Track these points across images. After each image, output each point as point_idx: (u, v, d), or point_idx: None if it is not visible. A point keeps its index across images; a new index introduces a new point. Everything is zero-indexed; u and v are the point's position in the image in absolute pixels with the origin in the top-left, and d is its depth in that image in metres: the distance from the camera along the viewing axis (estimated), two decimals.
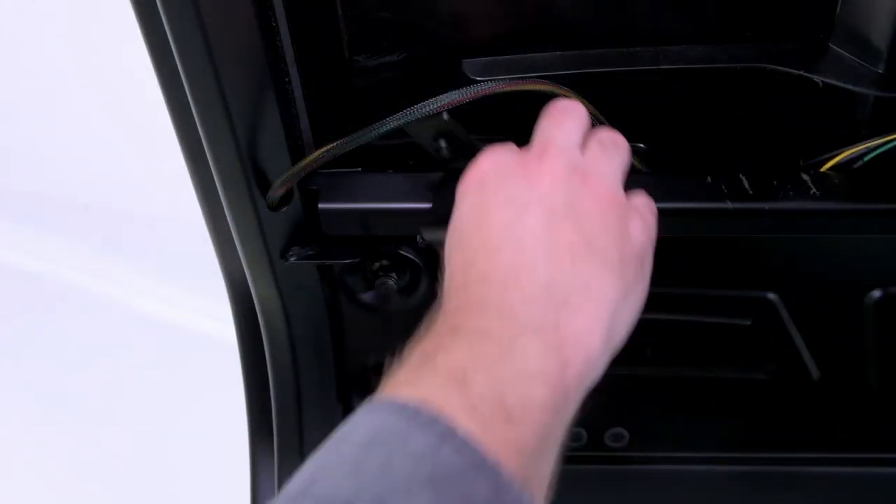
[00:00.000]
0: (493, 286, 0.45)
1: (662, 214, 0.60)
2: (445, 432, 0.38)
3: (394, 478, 0.37)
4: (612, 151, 0.53)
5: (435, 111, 0.53)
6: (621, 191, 0.51)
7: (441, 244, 0.52)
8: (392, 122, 0.54)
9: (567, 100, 0.55)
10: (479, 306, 0.45)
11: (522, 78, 0.57)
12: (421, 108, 0.54)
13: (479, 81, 0.54)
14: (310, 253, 0.63)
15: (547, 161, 0.50)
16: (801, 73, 0.57)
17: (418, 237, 0.58)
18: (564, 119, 0.53)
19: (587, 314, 0.45)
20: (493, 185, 0.49)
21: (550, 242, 0.46)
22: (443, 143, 0.57)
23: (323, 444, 0.40)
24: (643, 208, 0.53)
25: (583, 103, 0.57)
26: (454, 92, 0.53)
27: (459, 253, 0.48)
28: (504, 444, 0.39)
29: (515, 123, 0.63)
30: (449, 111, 0.54)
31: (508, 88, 0.55)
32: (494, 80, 0.54)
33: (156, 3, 0.49)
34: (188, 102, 0.54)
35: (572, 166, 0.50)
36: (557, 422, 0.43)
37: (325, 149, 0.56)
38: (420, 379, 0.42)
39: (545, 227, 0.47)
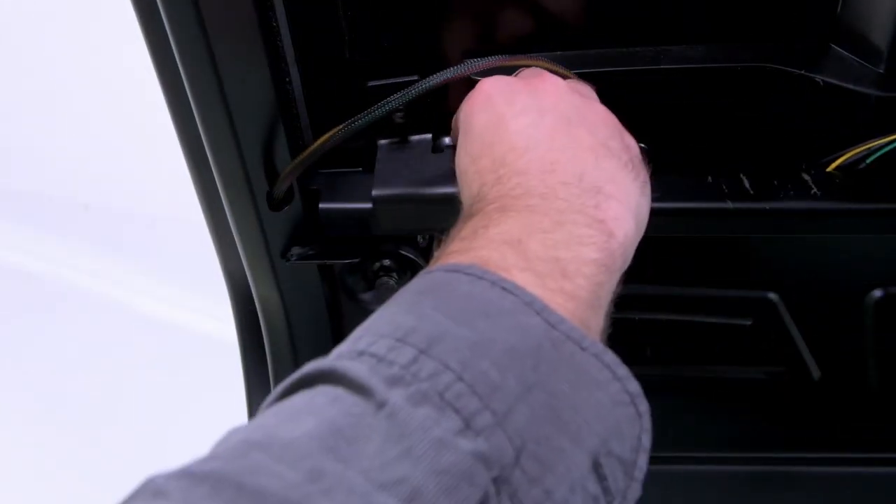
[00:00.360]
0: (531, 177, 0.47)
1: (663, 214, 0.60)
2: (495, 280, 0.40)
3: (449, 312, 0.38)
4: (588, 93, 0.56)
5: (436, 86, 0.53)
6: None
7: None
8: (395, 101, 0.54)
9: None
10: (522, 191, 0.46)
11: (524, 56, 0.56)
12: (423, 85, 0.53)
13: (480, 59, 0.54)
14: (310, 253, 0.63)
15: (547, 78, 0.53)
16: (802, 72, 0.57)
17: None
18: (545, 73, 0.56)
19: (619, 200, 0.47)
20: (503, 99, 0.51)
21: (573, 143, 0.48)
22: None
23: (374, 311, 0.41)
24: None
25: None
26: (455, 67, 0.54)
27: (486, 158, 0.49)
28: (560, 293, 0.41)
29: None
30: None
31: (507, 64, 0.55)
32: (493, 57, 0.54)
33: (156, 3, 0.49)
34: (189, 103, 0.54)
35: (570, 86, 0.53)
36: (606, 279, 0.45)
37: (335, 130, 0.55)
38: (474, 246, 0.43)
39: (565, 131, 0.49)
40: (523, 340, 0.37)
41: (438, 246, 0.47)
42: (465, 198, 0.50)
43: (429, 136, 0.62)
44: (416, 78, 0.59)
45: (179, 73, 0.53)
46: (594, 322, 0.43)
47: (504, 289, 0.39)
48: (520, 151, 0.48)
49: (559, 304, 0.40)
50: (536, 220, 0.44)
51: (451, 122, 0.58)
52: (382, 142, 0.61)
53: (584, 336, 0.39)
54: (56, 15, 2.04)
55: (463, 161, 0.52)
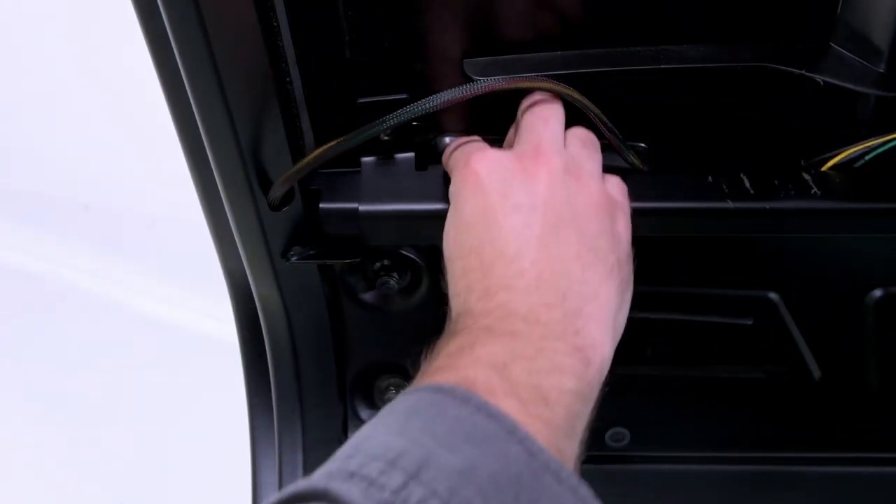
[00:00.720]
0: (516, 294, 0.48)
1: (663, 214, 0.60)
2: (480, 404, 0.42)
3: (436, 436, 0.39)
4: (591, 148, 0.56)
5: (435, 108, 0.54)
6: (604, 187, 0.54)
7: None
8: (393, 120, 0.54)
9: (545, 95, 0.57)
10: (506, 311, 0.48)
11: (522, 76, 0.57)
12: (421, 105, 0.54)
13: (479, 80, 0.55)
14: (311, 253, 0.63)
15: (542, 162, 0.52)
16: (802, 72, 0.57)
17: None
18: (549, 117, 0.55)
19: (598, 321, 0.49)
20: (495, 187, 0.52)
21: (561, 252, 0.50)
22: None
23: (362, 427, 0.43)
24: (619, 195, 0.56)
25: (584, 102, 0.57)
26: (454, 89, 0.54)
27: (475, 258, 0.51)
28: (540, 420, 0.43)
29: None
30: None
31: (508, 86, 0.55)
32: (494, 78, 0.54)
33: (156, 3, 0.49)
34: (189, 102, 0.54)
35: (566, 166, 0.53)
36: (584, 409, 0.47)
37: (327, 146, 0.56)
38: (461, 364, 0.45)
39: (553, 236, 0.50)
40: (506, 469, 0.39)
41: (426, 356, 0.49)
42: (452, 293, 0.52)
43: (412, 154, 0.62)
44: (404, 97, 0.60)
45: (179, 73, 0.53)
46: (569, 450, 0.45)
47: (489, 414, 0.41)
48: (508, 259, 0.49)
49: (539, 430, 0.42)
50: (520, 346, 0.46)
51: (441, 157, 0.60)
52: (366, 159, 0.62)
53: (562, 467, 0.41)
54: (56, 15, 2.04)
55: (451, 245, 0.53)
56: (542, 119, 0.55)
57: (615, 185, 0.56)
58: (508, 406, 0.42)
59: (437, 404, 0.42)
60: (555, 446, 0.43)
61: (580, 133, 0.57)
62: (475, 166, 0.53)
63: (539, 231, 0.50)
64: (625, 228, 0.54)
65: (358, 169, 0.62)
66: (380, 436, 0.40)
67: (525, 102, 0.58)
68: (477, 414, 0.41)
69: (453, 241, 0.53)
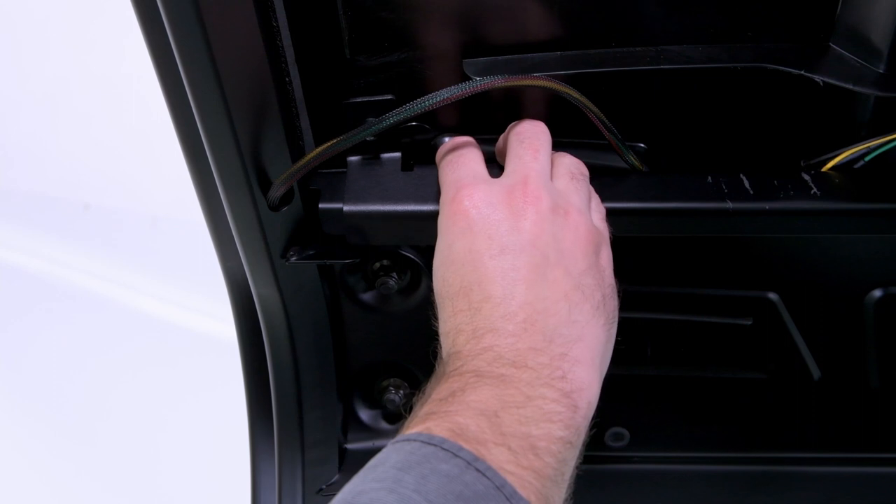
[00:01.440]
0: (504, 337, 0.49)
1: (663, 214, 0.60)
2: (470, 458, 0.42)
3: (428, 495, 0.40)
4: (579, 180, 0.56)
5: (434, 106, 0.54)
6: (591, 220, 0.54)
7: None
8: (392, 118, 0.54)
9: (532, 122, 0.57)
10: (494, 355, 0.49)
11: (522, 76, 0.57)
12: (420, 104, 0.54)
13: (478, 79, 0.55)
14: (310, 253, 0.63)
15: (530, 200, 0.52)
16: (802, 73, 0.57)
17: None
18: (539, 149, 0.55)
19: (585, 363, 0.50)
20: (482, 227, 0.52)
21: (548, 294, 0.50)
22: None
23: (353, 477, 0.44)
24: (601, 223, 0.56)
25: (584, 102, 0.57)
26: (453, 87, 0.53)
27: (463, 300, 0.51)
28: (530, 470, 0.44)
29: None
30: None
31: (506, 84, 0.55)
32: (492, 77, 0.54)
33: (156, 4, 0.49)
34: (189, 102, 0.54)
35: (553, 203, 0.53)
36: (572, 455, 0.48)
37: (325, 146, 0.56)
38: (451, 410, 0.46)
39: (541, 277, 0.50)
40: None
41: (417, 397, 0.50)
42: (442, 332, 0.53)
43: (398, 154, 0.62)
44: (390, 97, 0.60)
45: (179, 73, 0.53)
46: (556, 497, 0.46)
47: (478, 470, 0.42)
48: (496, 301, 0.50)
49: (530, 483, 0.43)
50: (509, 393, 0.47)
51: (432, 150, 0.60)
52: (352, 158, 0.62)
53: None
54: (56, 15, 2.04)
55: (440, 283, 0.53)
56: (532, 151, 0.55)
57: (597, 212, 0.57)
58: (499, 456, 0.43)
59: (428, 459, 0.42)
60: (544, 497, 0.44)
61: (568, 163, 0.57)
62: (464, 203, 0.53)
63: (526, 273, 0.50)
64: (607, 260, 0.55)
65: (344, 169, 0.62)
66: (371, 492, 0.41)
67: (513, 128, 0.58)
68: (467, 470, 0.42)
69: (442, 279, 0.53)
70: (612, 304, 0.54)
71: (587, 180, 0.57)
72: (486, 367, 0.48)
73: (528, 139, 0.56)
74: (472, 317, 0.50)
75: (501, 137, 0.59)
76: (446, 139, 0.62)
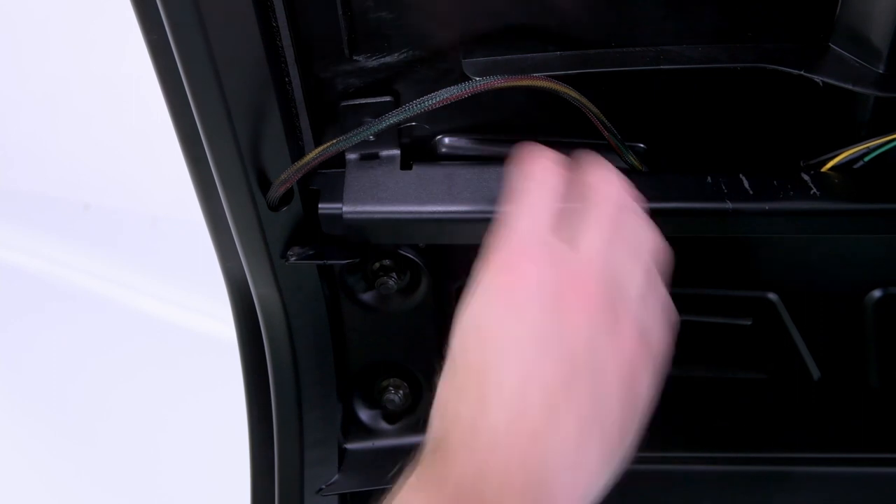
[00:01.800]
0: (498, 454, 0.44)
1: (663, 214, 0.60)
2: None
3: None
4: (641, 249, 0.50)
5: (434, 106, 0.53)
6: (643, 328, 0.47)
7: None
8: (391, 118, 0.54)
9: (609, 174, 0.52)
10: (481, 475, 0.44)
11: (522, 76, 0.57)
12: (420, 104, 0.54)
13: (478, 79, 0.55)
14: (310, 253, 0.63)
15: (581, 297, 0.46)
16: (801, 73, 0.57)
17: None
18: (612, 216, 0.49)
19: (562, 498, 0.44)
20: (519, 310, 0.46)
21: (562, 418, 0.44)
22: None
23: None
24: (657, 335, 0.49)
25: (584, 102, 0.57)
26: (452, 87, 0.53)
27: (474, 376, 0.46)
28: None
29: (517, 123, 0.63)
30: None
31: (506, 84, 0.55)
32: (492, 77, 0.54)
33: (156, 3, 0.49)
34: (188, 102, 0.54)
35: (607, 300, 0.46)
36: None
37: (324, 146, 0.56)
38: None
39: (563, 391, 0.45)
40: None
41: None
42: (438, 401, 0.48)
43: (397, 153, 0.62)
44: (389, 98, 0.60)
45: (179, 73, 0.53)
46: None
47: None
48: (504, 401, 0.45)
49: None
50: None
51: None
52: (351, 158, 0.62)
53: None
54: (56, 15, 2.04)
55: (457, 339, 0.48)
56: (608, 221, 0.49)
57: (655, 314, 0.49)
58: None
59: None
60: None
61: (628, 229, 0.50)
62: (513, 275, 0.47)
63: (549, 380, 0.44)
64: (647, 384, 0.48)
65: (343, 169, 0.62)
66: None
67: (596, 182, 0.51)
68: None
69: (460, 338, 0.48)
70: (629, 441, 0.48)
71: (649, 237, 0.50)
72: (469, 489, 0.43)
73: (602, 203, 0.49)
74: (474, 409, 0.45)
75: (575, 161, 0.54)
76: (447, 140, 0.62)
